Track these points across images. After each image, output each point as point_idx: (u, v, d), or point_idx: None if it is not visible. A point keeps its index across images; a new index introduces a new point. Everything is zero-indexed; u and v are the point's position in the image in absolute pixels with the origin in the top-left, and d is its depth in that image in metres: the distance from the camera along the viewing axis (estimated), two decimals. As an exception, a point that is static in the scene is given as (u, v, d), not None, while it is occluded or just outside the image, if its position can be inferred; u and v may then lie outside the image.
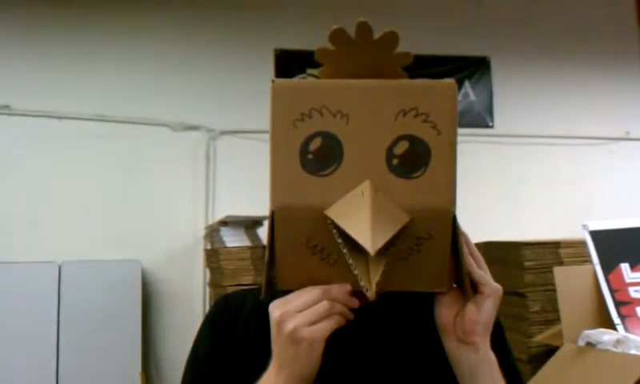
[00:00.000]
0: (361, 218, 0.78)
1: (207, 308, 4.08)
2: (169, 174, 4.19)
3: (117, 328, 3.71)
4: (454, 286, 0.90)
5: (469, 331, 0.88)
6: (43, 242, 3.91)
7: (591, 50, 4.88)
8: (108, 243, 3.99)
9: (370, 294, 0.78)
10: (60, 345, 3.61)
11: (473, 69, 4.62)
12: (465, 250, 0.87)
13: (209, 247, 3.98)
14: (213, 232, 3.88)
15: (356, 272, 0.80)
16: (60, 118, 4.03)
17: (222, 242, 3.71)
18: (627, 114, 4.92)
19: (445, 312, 0.90)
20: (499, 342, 0.94)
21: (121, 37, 4.21)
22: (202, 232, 4.14)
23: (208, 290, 4.06)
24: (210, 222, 4.09)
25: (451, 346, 0.90)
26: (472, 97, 4.61)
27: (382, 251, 0.77)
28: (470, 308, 0.88)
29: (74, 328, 3.64)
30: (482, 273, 0.90)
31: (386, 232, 0.78)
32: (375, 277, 0.79)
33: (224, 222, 3.77)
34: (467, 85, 4.58)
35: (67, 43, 4.12)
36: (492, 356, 0.90)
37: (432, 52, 4.05)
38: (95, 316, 3.67)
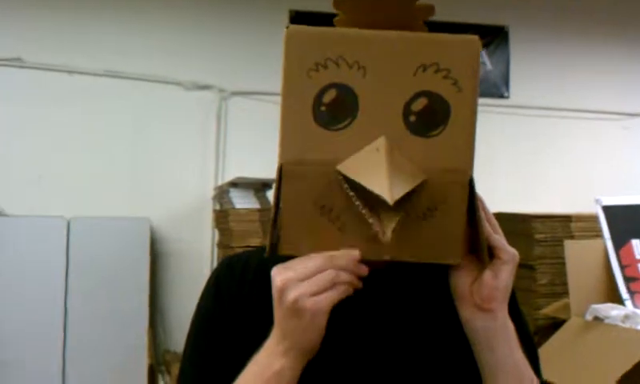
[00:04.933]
0: (377, 172, 0.75)
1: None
2: (179, 133, 4.17)
3: (124, 285, 3.72)
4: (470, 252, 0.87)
5: (487, 298, 0.85)
6: (52, 197, 3.91)
7: (610, 23, 4.79)
8: (117, 200, 3.99)
9: (386, 238, 0.76)
10: (67, 299, 3.62)
11: (491, 37, 4.55)
12: (481, 214, 0.84)
13: (218, 208, 3.98)
14: (222, 193, 3.87)
15: (370, 220, 0.77)
16: (71, 72, 4.00)
17: (231, 203, 3.71)
18: (645, 89, 4.85)
19: (461, 279, 0.87)
20: (513, 310, 0.91)
21: (135, -7, 4.17)
22: (211, 192, 4.14)
23: (216, 250, 4.07)
24: (220, 183, 4.08)
25: (468, 313, 0.87)
26: (488, 66, 4.55)
27: (398, 206, 0.75)
28: (488, 274, 0.85)
29: (82, 283, 3.65)
30: (498, 238, 0.86)
31: (403, 185, 0.75)
32: (391, 224, 0.76)
33: (234, 184, 3.77)
34: (484, 53, 4.50)
35: (81, -2, 4.09)
36: (510, 324, 0.88)
37: (449, 19, 3.97)
38: (103, 272, 3.68)
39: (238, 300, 1.00)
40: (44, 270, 3.63)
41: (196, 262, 4.12)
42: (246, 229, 3.52)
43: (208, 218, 4.14)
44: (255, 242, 3.47)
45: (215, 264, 4.10)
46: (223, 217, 3.70)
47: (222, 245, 3.82)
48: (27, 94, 3.97)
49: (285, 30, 0.79)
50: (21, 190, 3.90)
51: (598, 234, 2.62)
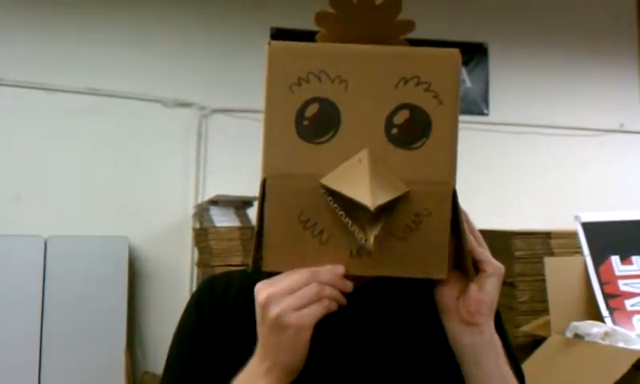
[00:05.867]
0: (359, 182, 0.75)
1: (194, 287, 4.06)
2: (159, 151, 4.14)
3: (102, 305, 3.66)
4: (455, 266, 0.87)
5: (473, 311, 0.84)
6: (29, 216, 3.86)
7: (589, 40, 4.85)
8: (95, 219, 3.94)
9: (368, 244, 0.76)
10: (44, 320, 3.56)
11: (470, 55, 4.58)
12: (465, 226, 0.84)
13: (198, 226, 3.95)
14: (202, 211, 3.85)
15: (353, 228, 0.77)
16: (49, 90, 3.97)
17: (211, 221, 3.68)
18: (622, 106, 4.90)
19: (446, 293, 0.86)
20: (498, 327, 0.91)
21: (114, 11, 4.14)
22: (191, 211, 4.11)
23: (196, 269, 4.03)
24: (200, 201, 4.05)
25: (454, 328, 0.86)
26: (468, 83, 4.58)
27: (381, 214, 0.75)
28: (474, 287, 0.84)
29: (59, 303, 3.59)
30: (483, 251, 0.86)
31: (386, 194, 0.75)
32: (373, 231, 0.76)
33: (214, 202, 3.75)
34: (464, 71, 4.54)
35: (60, 15, 4.05)
36: (497, 339, 0.87)
37: (429, 36, 4.01)
38: (80, 292, 3.62)
39: (219, 321, 0.98)
40: (20, 289, 3.56)
41: (175, 281, 4.07)
42: (226, 247, 3.49)
43: (188, 237, 4.11)
44: (236, 260, 3.44)
45: (195, 283, 4.06)
46: (203, 235, 3.67)
47: (201, 263, 3.78)
48: (5, 112, 3.92)
49: (267, 45, 0.80)
50: (-3, 209, 3.84)
51: (578, 251, 2.63)
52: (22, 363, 3.52)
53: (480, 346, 0.86)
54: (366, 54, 0.80)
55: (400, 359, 0.95)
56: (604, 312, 2.44)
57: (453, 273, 0.85)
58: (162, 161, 4.15)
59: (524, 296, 2.93)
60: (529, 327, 2.78)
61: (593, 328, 2.32)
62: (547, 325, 2.54)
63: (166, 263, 4.09)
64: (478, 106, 4.63)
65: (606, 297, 2.48)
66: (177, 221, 4.13)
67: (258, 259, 0.83)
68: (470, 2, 4.64)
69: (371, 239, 0.76)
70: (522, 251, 2.98)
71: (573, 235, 2.73)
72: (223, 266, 3.43)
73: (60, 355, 3.56)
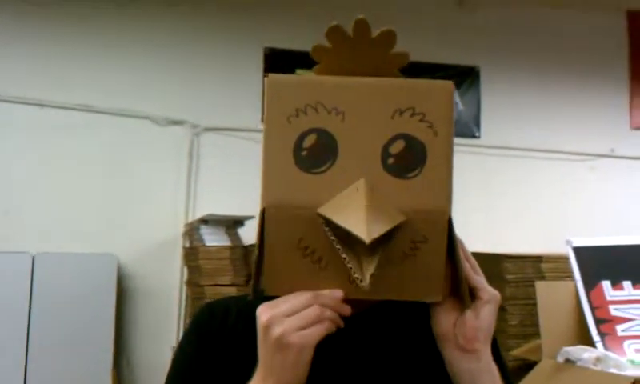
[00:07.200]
0: (355, 212, 0.76)
1: (183, 307, 4.03)
2: (150, 168, 4.13)
3: (89, 323, 3.63)
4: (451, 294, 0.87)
5: (470, 338, 0.85)
6: (18, 232, 3.83)
7: (580, 65, 4.90)
8: (84, 236, 3.92)
9: (364, 284, 0.76)
10: (30, 337, 3.53)
11: (462, 78, 4.61)
12: (461, 254, 0.85)
13: (188, 245, 3.93)
14: (192, 230, 3.83)
15: (349, 265, 0.78)
16: (41, 106, 3.95)
17: (201, 240, 3.67)
18: (613, 131, 4.94)
19: (443, 320, 0.87)
20: (495, 353, 0.91)
21: (108, 28, 4.15)
22: (181, 229, 4.09)
23: (185, 288, 4.01)
24: (190, 220, 4.04)
25: (451, 355, 0.87)
26: (460, 106, 4.60)
27: (377, 245, 0.76)
28: (470, 314, 0.85)
29: (46, 321, 3.56)
30: (479, 278, 0.87)
31: (381, 225, 0.76)
32: (369, 269, 0.77)
33: (204, 221, 3.73)
34: (455, 94, 4.56)
35: (53, 32, 4.06)
36: (494, 366, 0.88)
37: (421, 59, 4.04)
38: (68, 310, 3.59)
39: (219, 345, 0.98)
40: (7, 305, 3.54)
41: (164, 300, 4.05)
42: (216, 266, 3.48)
43: (177, 256, 4.08)
44: (225, 279, 3.43)
45: (184, 302, 4.04)
46: (193, 254, 3.65)
47: (191, 282, 3.76)
48: (-5, 126, 3.91)
49: (266, 78, 0.83)
50: (-16, 225, 3.81)
51: (569, 275, 2.63)
52: (7, 380, 3.48)
53: (477, 373, 0.86)
54: (362, 85, 0.82)
55: (397, 383, 0.95)
56: (595, 337, 2.43)
57: (449, 300, 0.86)
58: (152, 178, 4.13)
59: (514, 320, 2.93)
60: (519, 351, 2.77)
61: (584, 353, 2.31)
62: (538, 349, 2.53)
63: (155, 282, 4.06)
64: (469, 128, 4.65)
65: (597, 322, 2.47)
66: (167, 239, 4.10)
67: (257, 287, 0.85)
68: (462, 25, 4.68)
69: (367, 279, 0.76)
70: (513, 275, 2.97)
71: (564, 259, 2.73)
72: (213, 285, 3.42)
73: (46, 373, 3.52)
